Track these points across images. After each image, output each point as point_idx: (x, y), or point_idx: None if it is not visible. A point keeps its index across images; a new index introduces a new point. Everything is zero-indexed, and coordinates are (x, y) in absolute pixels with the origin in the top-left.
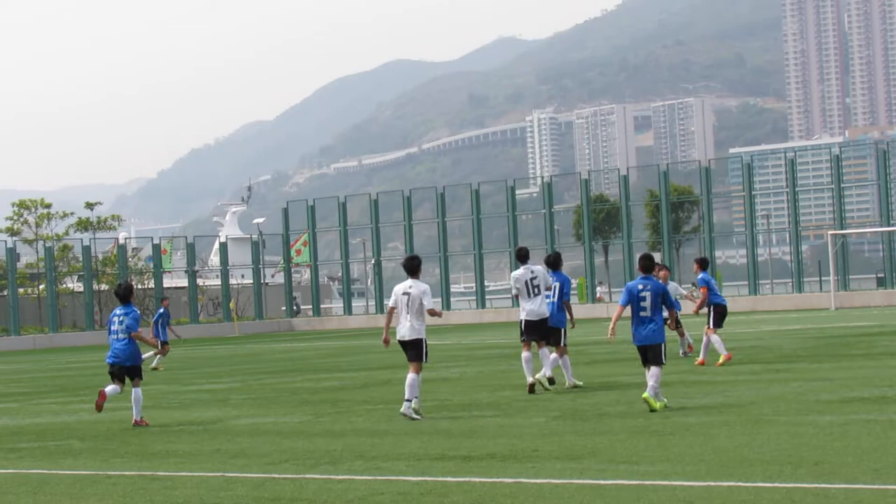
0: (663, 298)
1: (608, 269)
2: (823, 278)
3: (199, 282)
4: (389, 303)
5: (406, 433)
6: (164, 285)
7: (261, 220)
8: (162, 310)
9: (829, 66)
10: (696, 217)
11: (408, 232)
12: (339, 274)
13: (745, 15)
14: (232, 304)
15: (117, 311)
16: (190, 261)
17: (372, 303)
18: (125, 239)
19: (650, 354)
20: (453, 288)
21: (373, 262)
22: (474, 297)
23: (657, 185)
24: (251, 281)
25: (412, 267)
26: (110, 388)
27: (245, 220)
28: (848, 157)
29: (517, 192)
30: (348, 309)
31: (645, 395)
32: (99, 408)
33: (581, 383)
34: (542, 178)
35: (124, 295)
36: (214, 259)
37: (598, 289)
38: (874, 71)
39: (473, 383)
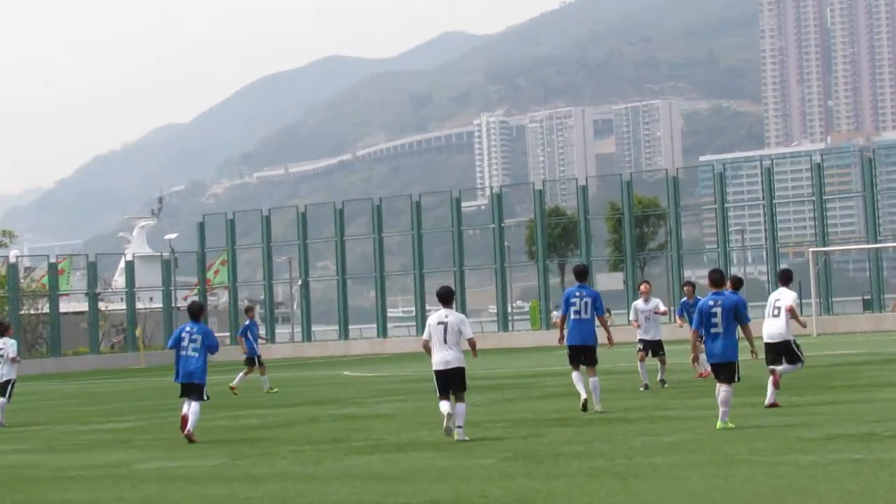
0: (735, 313)
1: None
2: (804, 301)
3: (101, 306)
4: (423, 335)
5: (336, 477)
6: (61, 310)
7: (173, 235)
8: (248, 322)
9: (810, 65)
10: (663, 232)
11: (340, 249)
12: (262, 297)
13: (718, 9)
14: (138, 332)
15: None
16: (91, 282)
17: (298, 329)
18: (17, 257)
19: (723, 373)
20: (390, 312)
21: (299, 283)
22: (414, 323)
23: (619, 196)
24: (161, 305)
25: (447, 296)
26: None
27: (155, 236)
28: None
29: (463, 204)
30: (271, 336)
31: (719, 424)
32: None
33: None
34: (492, 188)
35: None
36: (119, 280)
37: (554, 313)
38: (859, 71)
39: (412, 420)
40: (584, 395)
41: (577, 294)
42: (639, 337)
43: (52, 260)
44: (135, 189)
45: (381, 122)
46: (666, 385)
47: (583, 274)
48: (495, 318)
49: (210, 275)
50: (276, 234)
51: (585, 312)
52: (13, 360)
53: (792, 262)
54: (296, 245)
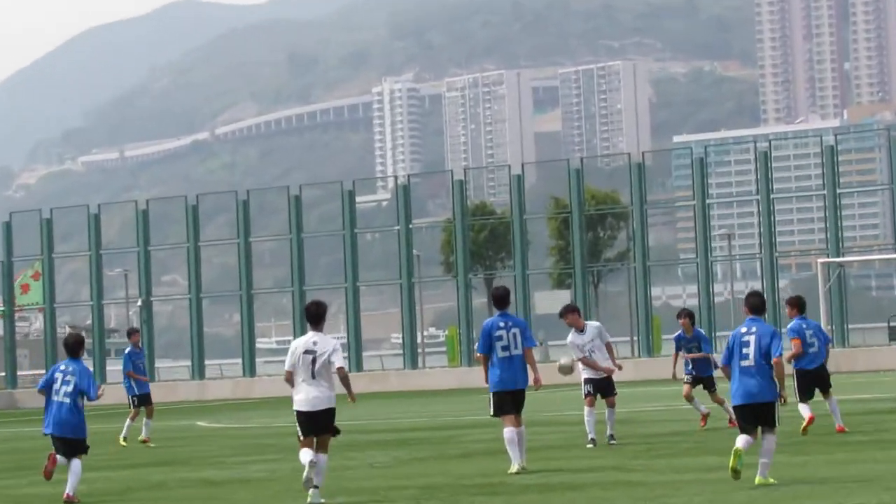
0: (770, 345)
1: (492, 315)
2: None
3: None
4: (286, 365)
5: None
6: None
7: None
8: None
9: (821, 15)
10: (624, 237)
11: (193, 258)
12: (89, 321)
13: None
14: None
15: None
16: None
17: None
18: None
19: (761, 416)
20: (260, 343)
21: (139, 304)
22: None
23: (565, 189)
24: None
25: (318, 315)
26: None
27: None
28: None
29: (358, 199)
30: (101, 375)
31: (759, 479)
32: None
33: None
34: (396, 178)
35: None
36: None
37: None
38: (885, 23)
39: (289, 486)
40: (517, 464)
41: (502, 325)
42: (584, 376)
43: None
44: None
45: (248, 90)
46: (614, 442)
47: (504, 299)
48: (400, 351)
49: (18, 292)
50: (107, 238)
51: (516, 347)
52: None
53: (795, 278)
54: (134, 253)
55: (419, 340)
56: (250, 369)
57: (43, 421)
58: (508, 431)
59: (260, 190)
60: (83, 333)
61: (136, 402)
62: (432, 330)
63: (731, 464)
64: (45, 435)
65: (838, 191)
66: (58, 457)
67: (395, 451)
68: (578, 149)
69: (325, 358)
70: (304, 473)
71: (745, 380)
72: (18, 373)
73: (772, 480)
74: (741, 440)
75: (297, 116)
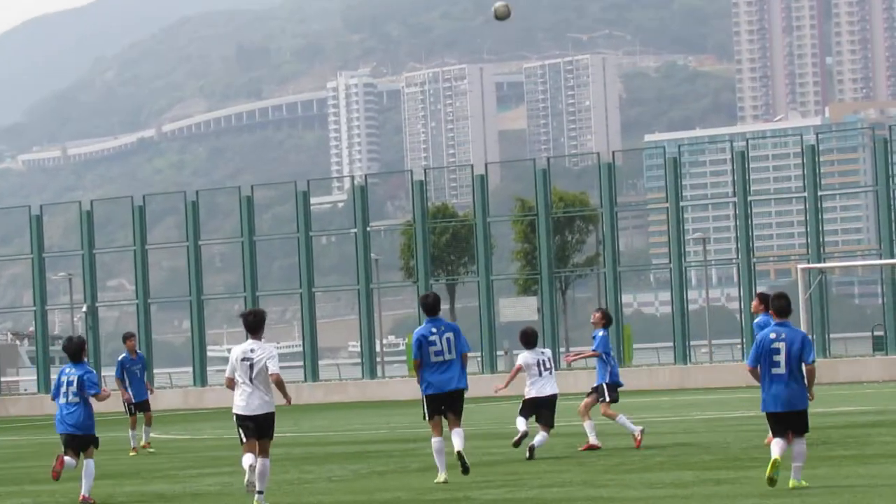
0: (802, 350)
1: (455, 322)
2: None
3: None
4: (227, 372)
5: None
6: None
7: None
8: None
9: (801, 7)
10: (593, 241)
11: (139, 262)
12: (31, 328)
13: None
14: None
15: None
16: None
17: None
18: None
19: (794, 423)
20: (211, 351)
21: (84, 309)
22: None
23: (531, 190)
24: None
25: (255, 323)
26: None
27: None
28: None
29: (313, 200)
30: (45, 384)
31: (792, 482)
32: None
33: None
34: (353, 178)
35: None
36: None
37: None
38: (870, 16)
39: (242, 500)
40: (443, 474)
41: (434, 331)
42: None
43: None
44: None
45: (196, 85)
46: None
47: (435, 307)
48: (358, 360)
49: None
50: (50, 241)
51: (450, 352)
52: None
53: (774, 284)
54: (78, 256)
55: (378, 349)
56: (201, 378)
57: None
58: (436, 441)
59: (210, 190)
60: (82, 336)
61: (132, 410)
62: (391, 338)
63: (768, 472)
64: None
65: (819, 193)
66: (66, 458)
67: (354, 464)
68: (545, 148)
69: (261, 364)
70: (246, 477)
71: (778, 388)
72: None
73: (804, 483)
74: (777, 447)
75: (248, 113)
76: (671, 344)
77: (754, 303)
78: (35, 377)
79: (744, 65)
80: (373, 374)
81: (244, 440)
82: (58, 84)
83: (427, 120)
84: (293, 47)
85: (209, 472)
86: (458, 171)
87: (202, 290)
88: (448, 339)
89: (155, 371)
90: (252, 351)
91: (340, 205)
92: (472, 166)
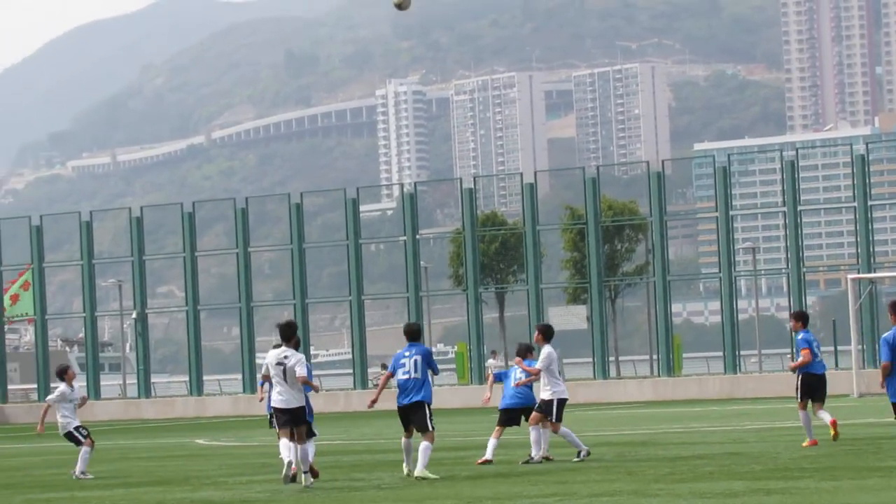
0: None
1: (504, 332)
2: (841, 348)
3: None
4: (262, 370)
5: None
6: None
7: None
8: None
9: (851, 16)
10: (643, 250)
11: (189, 268)
12: (81, 335)
13: None
14: None
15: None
16: None
17: (132, 381)
18: None
19: None
20: (260, 358)
21: (134, 316)
22: None
23: (581, 199)
24: None
25: (289, 334)
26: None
27: None
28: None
29: (362, 208)
30: (94, 390)
31: None
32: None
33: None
34: (402, 186)
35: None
36: None
37: (490, 361)
38: None
39: None
40: (406, 467)
41: (407, 354)
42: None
43: None
44: None
45: (246, 92)
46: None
47: (414, 334)
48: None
49: (7, 303)
50: (100, 247)
51: (416, 371)
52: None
53: (824, 294)
54: (128, 262)
55: None
56: (250, 385)
57: None
58: (405, 441)
59: (259, 197)
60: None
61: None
62: (441, 346)
63: None
64: None
65: (869, 202)
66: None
67: (402, 472)
68: (594, 156)
69: (292, 369)
70: (283, 471)
71: None
72: (9, 387)
73: None
74: None
75: (298, 120)
76: (721, 353)
77: (792, 323)
78: (85, 383)
79: (793, 74)
80: None
81: (279, 428)
82: (107, 91)
83: (476, 128)
84: (342, 54)
85: (259, 479)
86: (507, 180)
87: (251, 297)
88: (415, 361)
89: (204, 378)
90: (286, 357)
91: (390, 212)
92: (521, 174)
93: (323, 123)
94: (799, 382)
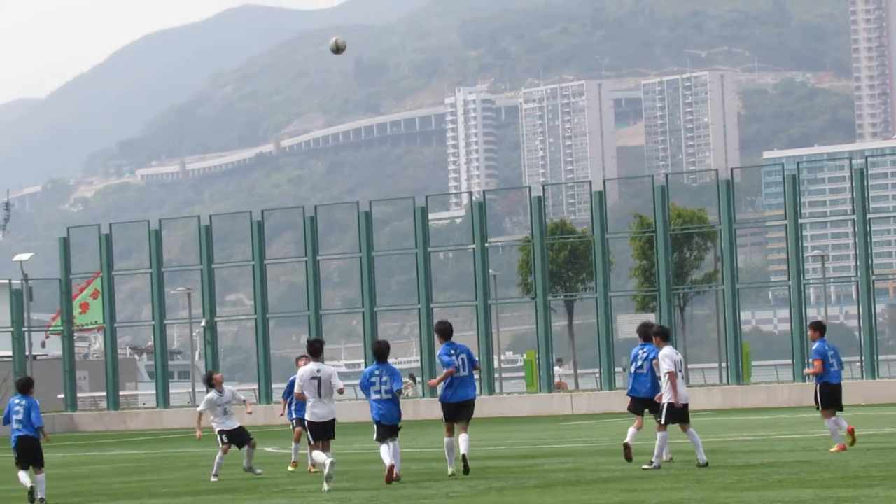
0: None
1: (573, 340)
2: None
3: None
4: (295, 388)
5: None
6: None
7: (26, 256)
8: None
9: None
10: (712, 258)
11: (258, 276)
12: (150, 343)
13: None
14: None
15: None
16: None
17: (202, 389)
18: None
19: None
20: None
21: (203, 324)
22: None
23: (649, 207)
24: (10, 353)
25: (318, 349)
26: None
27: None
28: None
29: (431, 216)
30: (163, 399)
31: None
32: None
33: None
34: (471, 194)
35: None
36: None
37: (557, 369)
38: None
39: None
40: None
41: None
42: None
43: None
44: None
45: (315, 100)
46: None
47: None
48: (476, 376)
49: (76, 311)
50: (169, 256)
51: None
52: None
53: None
54: (197, 271)
55: (496, 365)
56: None
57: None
58: (448, 441)
59: (328, 206)
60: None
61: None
62: (509, 354)
63: None
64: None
65: None
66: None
67: (471, 480)
68: (663, 164)
69: (327, 381)
70: (326, 471)
71: None
72: (78, 395)
73: None
74: None
75: (367, 128)
76: (790, 361)
77: (810, 332)
78: (153, 391)
79: (862, 82)
80: (491, 390)
81: (313, 441)
82: (176, 99)
83: (545, 136)
84: (411, 62)
85: (328, 487)
86: (576, 188)
87: (320, 305)
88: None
89: (273, 386)
90: (318, 371)
91: (458, 220)
92: (590, 182)
93: (392, 132)
94: (818, 392)
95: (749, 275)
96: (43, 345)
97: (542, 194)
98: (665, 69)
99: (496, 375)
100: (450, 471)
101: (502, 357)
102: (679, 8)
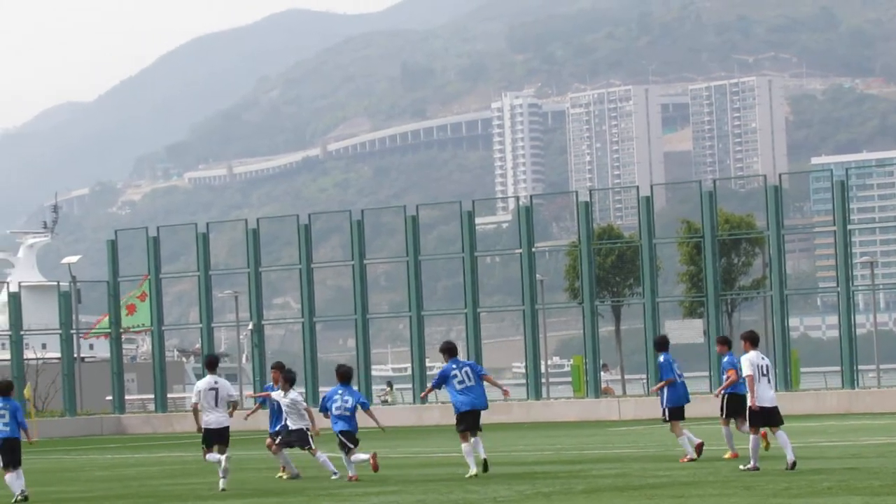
0: None
1: (620, 345)
2: None
3: None
4: (194, 399)
5: None
6: None
7: (74, 259)
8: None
9: None
10: (760, 264)
11: (305, 280)
12: (198, 345)
13: None
14: (27, 392)
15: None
16: None
17: (249, 391)
18: None
19: None
20: (376, 370)
21: (250, 327)
22: (409, 385)
23: (697, 212)
24: (58, 354)
25: (350, 374)
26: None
27: (48, 259)
28: None
29: (478, 220)
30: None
31: None
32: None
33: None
34: (518, 199)
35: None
36: None
37: (604, 375)
38: None
39: None
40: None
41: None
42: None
43: None
44: (19, 193)
45: (361, 104)
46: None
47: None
48: (523, 381)
49: (125, 313)
50: (216, 259)
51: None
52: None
53: None
54: (244, 274)
55: (543, 370)
56: (367, 398)
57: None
58: (466, 446)
59: (375, 209)
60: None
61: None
62: (556, 359)
63: None
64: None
65: None
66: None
67: (519, 485)
68: (710, 170)
69: (223, 393)
70: (223, 466)
71: None
72: (126, 397)
73: None
74: None
75: (413, 132)
76: (838, 368)
77: (718, 347)
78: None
79: None
80: (538, 395)
81: (206, 447)
82: (223, 102)
83: (592, 141)
84: (457, 67)
85: (375, 491)
86: (623, 193)
87: (367, 308)
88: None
89: (320, 389)
90: (216, 383)
91: (505, 225)
92: (637, 187)
93: (438, 136)
94: (724, 403)
95: (797, 281)
96: (91, 347)
97: (589, 199)
98: (712, 74)
99: (543, 380)
100: (471, 472)
101: (549, 362)
102: (726, 13)
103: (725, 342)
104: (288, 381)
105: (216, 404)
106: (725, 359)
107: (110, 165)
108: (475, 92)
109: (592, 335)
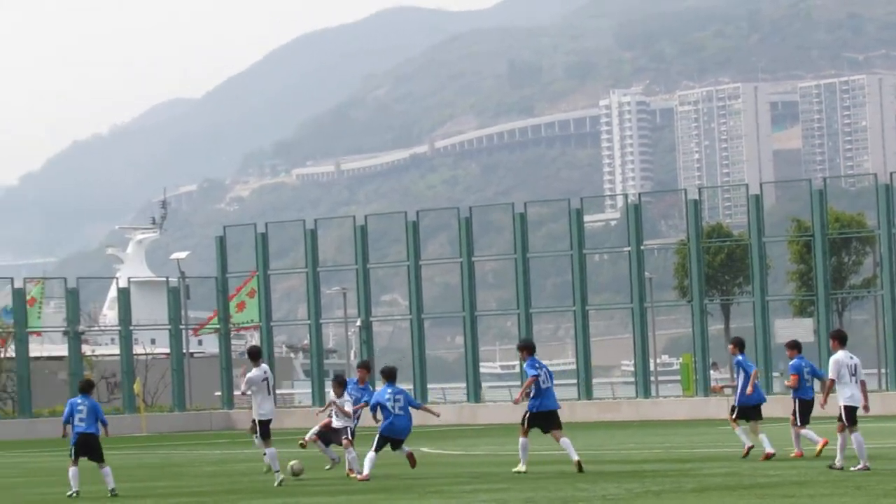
0: None
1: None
2: None
3: (86, 349)
4: (243, 388)
5: None
6: (31, 354)
7: (182, 254)
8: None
9: None
10: (871, 263)
11: (413, 277)
12: (306, 342)
13: None
14: (137, 387)
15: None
16: (71, 316)
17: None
18: None
19: None
20: (485, 367)
21: (358, 324)
22: (518, 382)
23: (807, 211)
24: (167, 350)
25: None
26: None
27: (158, 255)
28: None
29: (586, 218)
30: (319, 397)
31: None
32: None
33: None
34: (626, 197)
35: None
36: (109, 314)
37: (713, 374)
38: None
39: None
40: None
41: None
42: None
43: (18, 285)
44: (128, 188)
45: (468, 102)
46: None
47: (340, 382)
48: (632, 379)
49: (234, 309)
50: (324, 255)
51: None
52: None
53: None
54: (352, 271)
55: (651, 368)
56: (475, 395)
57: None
58: (524, 441)
59: (483, 207)
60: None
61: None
62: (665, 357)
63: None
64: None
65: None
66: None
67: (628, 483)
68: (820, 168)
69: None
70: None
71: None
72: (235, 393)
73: None
74: None
75: (521, 130)
76: None
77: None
78: (309, 390)
79: None
80: (647, 394)
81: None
82: (330, 99)
83: (700, 139)
84: (565, 64)
85: (483, 489)
86: (732, 191)
87: (475, 306)
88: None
89: (428, 386)
90: (266, 373)
91: (613, 223)
92: (746, 186)
93: (546, 133)
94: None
95: None
96: (200, 342)
97: (697, 197)
98: (822, 72)
99: (652, 379)
100: (520, 468)
101: (658, 360)
102: (836, 10)
103: (795, 346)
104: (340, 384)
105: (268, 393)
106: (792, 361)
107: (218, 162)
108: (583, 90)
109: (702, 333)
